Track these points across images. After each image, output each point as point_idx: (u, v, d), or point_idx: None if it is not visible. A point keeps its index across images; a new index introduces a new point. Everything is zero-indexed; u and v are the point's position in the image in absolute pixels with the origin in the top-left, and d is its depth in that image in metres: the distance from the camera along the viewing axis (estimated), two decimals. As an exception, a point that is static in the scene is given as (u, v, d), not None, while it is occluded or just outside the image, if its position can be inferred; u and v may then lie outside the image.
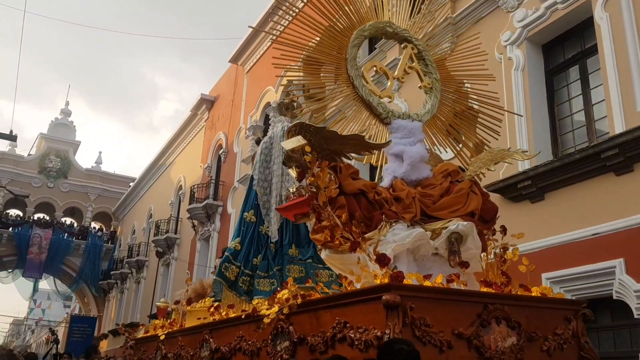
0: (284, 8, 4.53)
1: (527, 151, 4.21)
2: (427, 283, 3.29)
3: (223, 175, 20.28)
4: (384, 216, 3.79)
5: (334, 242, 3.64)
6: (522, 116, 7.22)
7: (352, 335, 3.21)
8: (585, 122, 8.17)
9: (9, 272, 30.47)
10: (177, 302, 6.82)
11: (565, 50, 8.66)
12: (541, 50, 8.86)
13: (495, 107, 4.88)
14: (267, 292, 5.15)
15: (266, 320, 3.83)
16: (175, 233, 23.55)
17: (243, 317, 4.40)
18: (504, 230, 4.18)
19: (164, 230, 23.90)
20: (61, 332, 36.09)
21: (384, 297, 2.98)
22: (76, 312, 37.06)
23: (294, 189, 4.41)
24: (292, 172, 4.04)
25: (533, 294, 3.68)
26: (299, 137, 3.80)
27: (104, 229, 33.74)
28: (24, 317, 47.13)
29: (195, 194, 20.64)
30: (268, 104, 17.38)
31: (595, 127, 7.98)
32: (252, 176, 5.83)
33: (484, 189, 4.33)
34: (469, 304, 3.26)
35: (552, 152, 8.18)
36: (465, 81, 4.92)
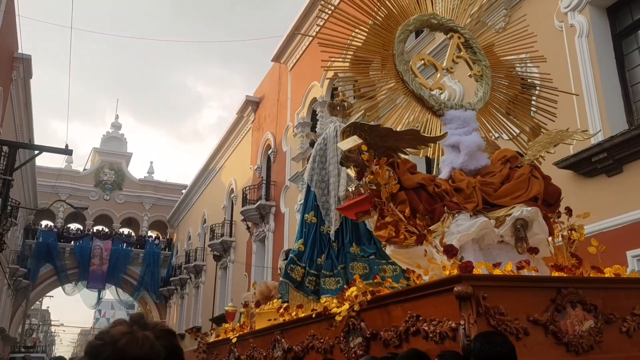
0: (327, 10, 4.59)
1: (587, 130, 4.13)
2: (497, 271, 3.30)
3: (274, 175, 20.49)
4: (445, 208, 3.82)
5: (399, 237, 3.69)
6: (577, 95, 7.00)
7: (426, 328, 3.25)
8: (661, 85, 7.66)
9: (74, 284, 31.71)
10: (245, 305, 6.98)
11: (633, 11, 8.15)
12: (606, 14, 8.35)
13: (549, 88, 4.81)
14: (334, 290, 5.24)
15: (338, 318, 3.91)
16: (230, 236, 23.95)
17: (314, 316, 4.49)
18: (569, 211, 4.13)
19: (219, 234, 24.34)
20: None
21: (456, 289, 3.01)
22: (140, 319, 38.08)
23: (353, 188, 4.47)
24: (351, 172, 4.11)
25: (606, 275, 3.63)
26: (355, 137, 3.86)
27: (161, 237, 34.70)
28: (91, 327, 48.93)
29: (248, 196, 20.88)
30: (314, 100, 17.43)
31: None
32: (308, 178, 5.91)
33: (543, 172, 4.29)
34: (542, 289, 3.25)
35: (627, 120, 7.69)
36: (516, 65, 4.87)
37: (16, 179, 22.84)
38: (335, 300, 4.24)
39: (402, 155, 4.04)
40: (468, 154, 4.12)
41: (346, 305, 3.94)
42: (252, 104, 23.24)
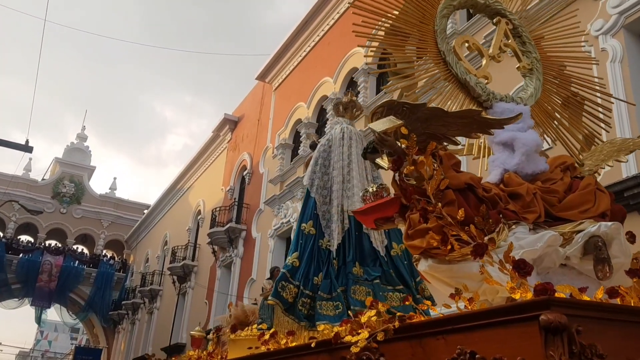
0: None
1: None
2: (585, 298, 2.47)
3: (247, 197, 19.41)
4: (501, 216, 3.01)
5: (445, 248, 2.84)
6: (634, 105, 6.33)
7: (487, 370, 2.38)
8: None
9: (18, 300, 29.42)
10: (218, 330, 6.01)
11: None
12: (641, 40, 7.92)
13: (604, 94, 4.11)
14: (332, 317, 4.33)
15: (354, 350, 2.99)
16: (193, 260, 22.64)
17: (313, 345, 3.56)
18: (632, 237, 3.37)
19: (181, 257, 22.97)
20: (67, 365, 34.75)
21: (542, 317, 2.16)
22: (83, 344, 35.70)
23: (373, 189, 3.61)
24: (382, 162, 3.28)
25: None
26: (392, 117, 3.05)
27: (116, 257, 32.69)
28: (30, 349, 45.51)
29: (217, 218, 19.75)
30: (299, 121, 16.73)
31: None
32: (308, 183, 5.05)
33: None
34: (646, 326, 2.42)
35: (665, 154, 7.02)
36: (565, 64, 4.17)
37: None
38: (343, 327, 3.32)
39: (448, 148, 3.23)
40: (525, 153, 3.33)
41: (365, 334, 3.03)
42: (230, 123, 22.29)
